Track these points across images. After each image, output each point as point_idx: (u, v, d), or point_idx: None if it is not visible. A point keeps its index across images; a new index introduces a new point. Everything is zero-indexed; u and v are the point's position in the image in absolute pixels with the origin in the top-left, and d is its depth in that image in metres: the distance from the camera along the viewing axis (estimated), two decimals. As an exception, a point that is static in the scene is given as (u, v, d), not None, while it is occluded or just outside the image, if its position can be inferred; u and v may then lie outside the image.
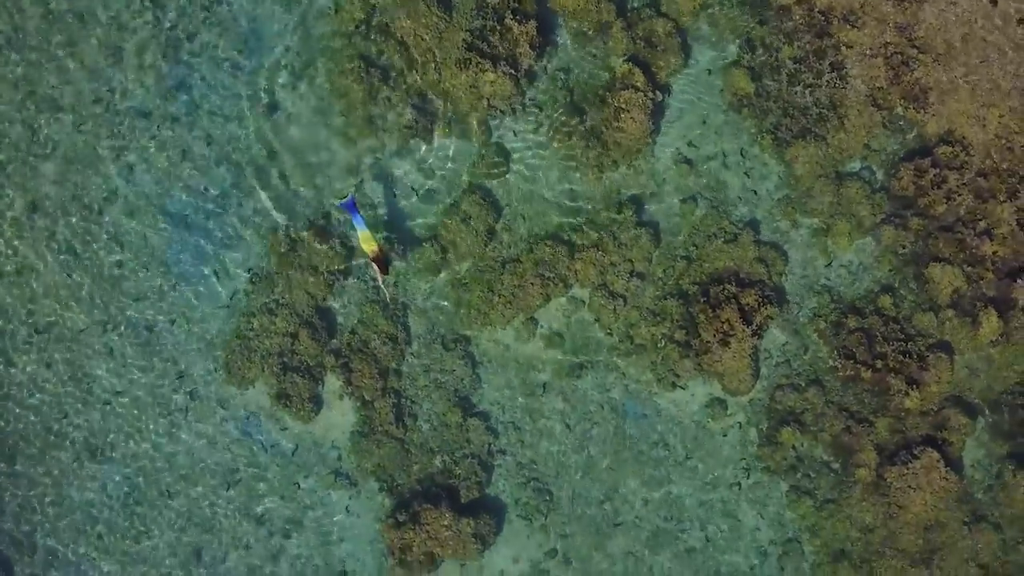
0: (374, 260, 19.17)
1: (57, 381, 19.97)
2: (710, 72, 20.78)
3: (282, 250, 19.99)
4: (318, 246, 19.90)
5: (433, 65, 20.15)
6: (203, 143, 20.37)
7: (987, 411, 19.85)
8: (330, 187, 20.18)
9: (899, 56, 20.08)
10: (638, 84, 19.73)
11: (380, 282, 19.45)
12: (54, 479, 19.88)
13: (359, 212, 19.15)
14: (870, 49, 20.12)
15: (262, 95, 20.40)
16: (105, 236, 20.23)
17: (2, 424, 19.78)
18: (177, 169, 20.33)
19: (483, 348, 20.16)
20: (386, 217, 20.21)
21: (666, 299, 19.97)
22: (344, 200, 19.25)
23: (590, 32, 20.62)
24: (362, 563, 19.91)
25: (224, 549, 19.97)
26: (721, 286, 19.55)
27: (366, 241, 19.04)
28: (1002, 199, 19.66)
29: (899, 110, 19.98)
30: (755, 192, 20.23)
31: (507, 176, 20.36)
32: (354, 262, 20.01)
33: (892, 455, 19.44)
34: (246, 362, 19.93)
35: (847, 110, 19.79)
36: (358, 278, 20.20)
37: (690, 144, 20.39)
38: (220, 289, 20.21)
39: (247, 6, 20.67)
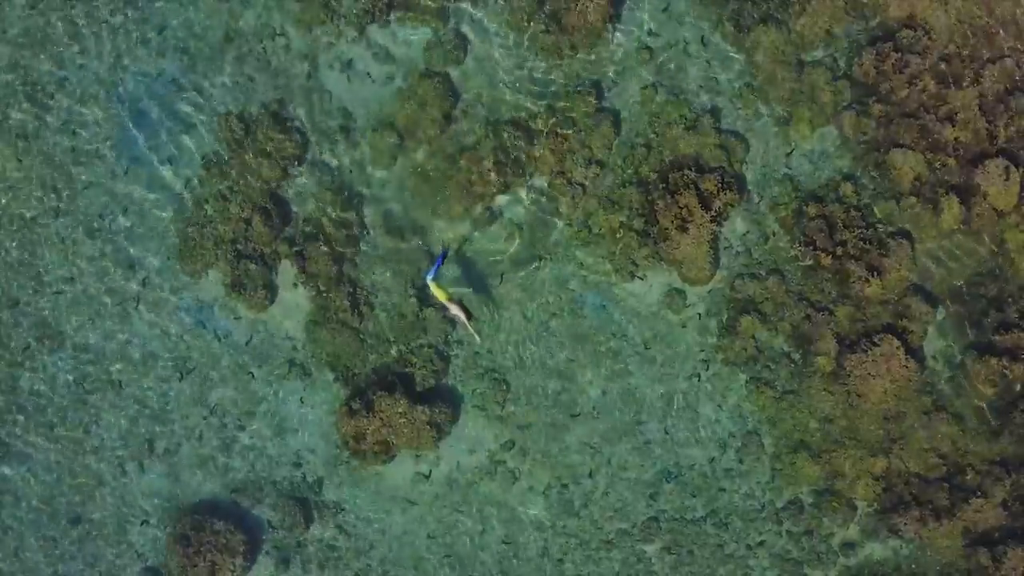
0: (459, 308, 18.56)
1: (7, 268, 19.68)
2: (672, -40, 20.52)
3: (236, 136, 19.68)
4: (272, 132, 19.61)
5: (390, -51, 19.90)
6: (157, 28, 20.03)
7: (948, 301, 19.60)
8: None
9: (861, -63, 19.74)
10: (597, -33, 19.44)
11: (467, 325, 18.86)
12: (4, 368, 19.61)
13: (441, 265, 18.82)
14: (831, -69, 19.78)
15: (217, -20, 20.13)
16: (57, 122, 19.91)
17: (-51, 308, 19.58)
18: (130, 54, 20.01)
19: (440, 237, 19.86)
20: (344, 105, 19.93)
21: (625, 187, 19.69)
22: (438, 254, 19.21)
23: (551, -81, 20.33)
24: (316, 454, 19.63)
25: (176, 440, 19.70)
26: (680, 172, 19.27)
27: (438, 290, 18.55)
28: (964, 84, 19.38)
29: (861, -7, 19.72)
30: (716, 80, 19.91)
31: (465, 61, 20.04)
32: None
33: (852, 345, 19.20)
34: (199, 249, 19.64)
35: (809, -7, 19.53)
36: (312, 165, 19.92)
37: (651, 32, 20.07)
38: (173, 175, 19.89)
39: None
